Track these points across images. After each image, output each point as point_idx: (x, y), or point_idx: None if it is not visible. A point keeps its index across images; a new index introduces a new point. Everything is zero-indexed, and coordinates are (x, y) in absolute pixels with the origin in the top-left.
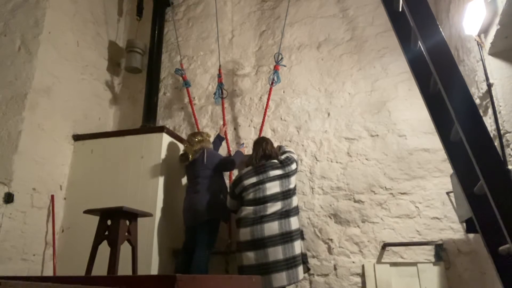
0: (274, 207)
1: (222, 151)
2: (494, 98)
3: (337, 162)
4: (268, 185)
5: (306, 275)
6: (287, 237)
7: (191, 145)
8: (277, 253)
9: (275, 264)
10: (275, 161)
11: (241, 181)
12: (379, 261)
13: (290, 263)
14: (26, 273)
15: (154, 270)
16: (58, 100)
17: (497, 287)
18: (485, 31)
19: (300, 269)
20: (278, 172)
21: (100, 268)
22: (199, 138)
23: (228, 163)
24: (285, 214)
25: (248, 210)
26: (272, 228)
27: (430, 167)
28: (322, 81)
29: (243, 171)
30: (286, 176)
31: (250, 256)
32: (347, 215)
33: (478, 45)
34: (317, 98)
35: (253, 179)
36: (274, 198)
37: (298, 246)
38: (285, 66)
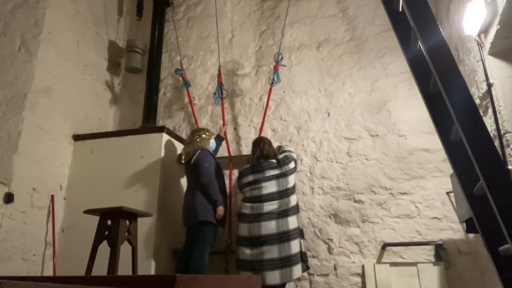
0: (271, 206)
1: (223, 151)
2: (494, 98)
3: (337, 162)
4: (264, 184)
5: (306, 275)
6: (284, 236)
7: (187, 144)
8: (272, 251)
9: (269, 262)
10: (273, 160)
11: (240, 178)
12: (379, 261)
13: (284, 262)
14: (26, 273)
15: (154, 270)
16: (58, 100)
17: (497, 287)
18: (485, 31)
19: (295, 268)
20: (274, 172)
21: (100, 268)
22: (196, 137)
23: (201, 177)
24: (283, 213)
25: (246, 207)
26: (269, 227)
27: (430, 167)
28: (322, 81)
29: (242, 168)
30: (283, 175)
31: (246, 252)
32: (347, 215)
33: (478, 45)
34: (317, 98)
35: (249, 178)
36: (270, 197)
37: (295, 245)
38: (285, 66)
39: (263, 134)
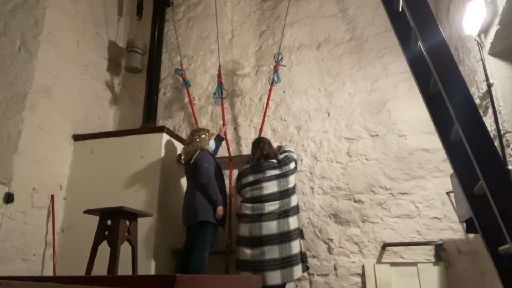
0: (272, 206)
1: (223, 151)
2: (494, 98)
3: (337, 162)
4: (265, 184)
5: (306, 275)
6: (285, 236)
7: (186, 144)
8: (273, 252)
9: (270, 263)
10: (273, 160)
11: (240, 179)
12: (379, 261)
13: (285, 262)
14: (26, 273)
15: (154, 270)
16: (58, 100)
17: (497, 287)
18: (485, 31)
19: (296, 268)
20: (275, 172)
21: (100, 268)
22: (196, 137)
23: (201, 177)
24: (284, 213)
25: (246, 207)
26: (270, 227)
27: (430, 167)
28: (322, 81)
29: (242, 169)
30: (284, 175)
31: (246, 252)
32: (347, 215)
33: (478, 45)
34: (317, 98)
35: (250, 178)
36: (271, 198)
37: (296, 246)
38: (285, 66)
39: (263, 134)
